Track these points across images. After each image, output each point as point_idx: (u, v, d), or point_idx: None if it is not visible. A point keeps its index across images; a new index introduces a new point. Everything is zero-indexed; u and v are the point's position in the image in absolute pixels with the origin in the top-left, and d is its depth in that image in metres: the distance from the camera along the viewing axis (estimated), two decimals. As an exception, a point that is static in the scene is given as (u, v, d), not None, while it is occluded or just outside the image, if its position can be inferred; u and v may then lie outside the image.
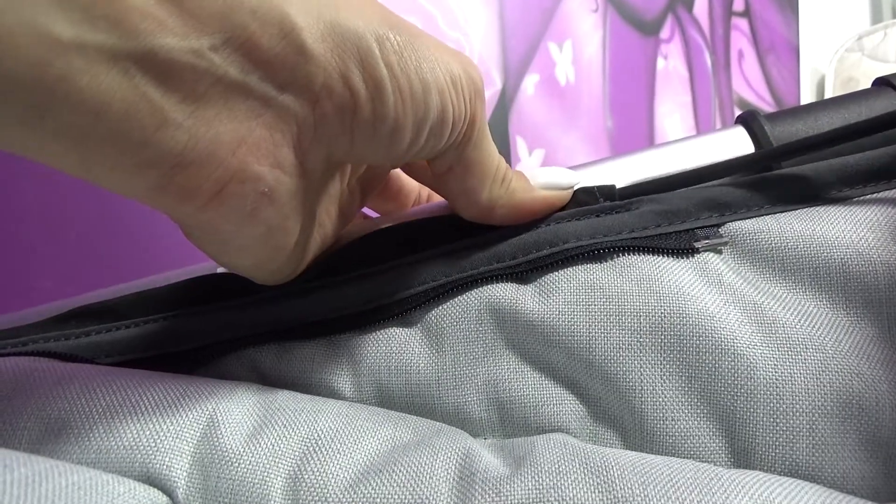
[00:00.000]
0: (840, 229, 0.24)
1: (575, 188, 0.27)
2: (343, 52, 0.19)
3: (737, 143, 0.31)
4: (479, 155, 0.24)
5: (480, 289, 0.26)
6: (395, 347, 0.25)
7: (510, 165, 0.27)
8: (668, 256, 0.25)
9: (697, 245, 0.25)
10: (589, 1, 0.98)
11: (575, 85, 0.97)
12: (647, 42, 1.09)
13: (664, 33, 1.13)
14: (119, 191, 0.18)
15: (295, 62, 0.18)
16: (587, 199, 0.27)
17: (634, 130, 1.06)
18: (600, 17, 1.00)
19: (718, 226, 0.25)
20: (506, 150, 0.89)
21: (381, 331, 0.25)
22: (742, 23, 1.34)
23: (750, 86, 1.35)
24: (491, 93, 0.87)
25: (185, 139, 0.17)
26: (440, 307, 0.26)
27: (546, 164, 0.93)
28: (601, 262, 0.25)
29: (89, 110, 0.15)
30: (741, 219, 0.25)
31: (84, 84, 0.15)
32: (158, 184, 0.17)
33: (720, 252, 0.25)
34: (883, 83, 0.30)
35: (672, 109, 1.14)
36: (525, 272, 0.26)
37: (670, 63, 1.14)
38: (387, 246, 0.27)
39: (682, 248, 0.25)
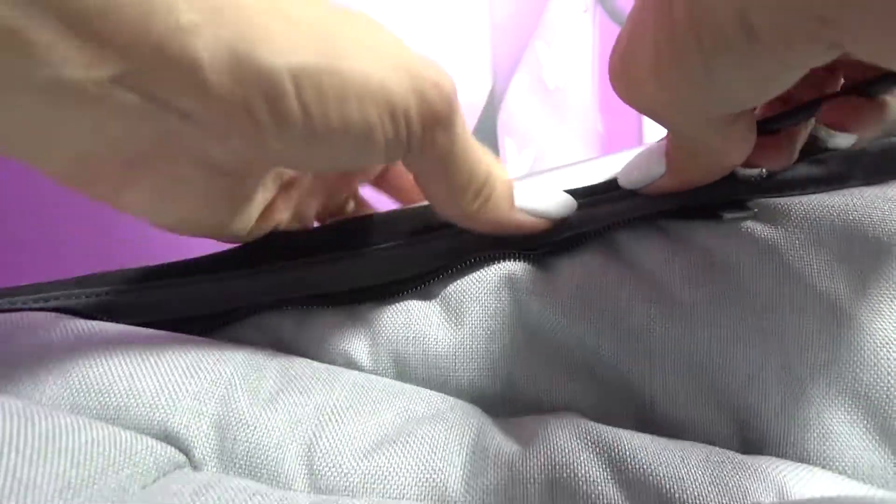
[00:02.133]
0: (875, 208, 0.23)
1: (566, 214, 0.26)
2: (248, 86, 0.18)
3: None
4: (448, 168, 0.23)
5: (499, 264, 0.26)
6: (415, 318, 0.25)
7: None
8: (682, 233, 0.24)
9: (724, 215, 0.24)
10: (578, 2, 0.98)
11: (564, 86, 0.97)
12: (635, 44, 1.10)
13: (652, 36, 1.13)
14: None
15: (195, 95, 0.18)
16: (607, 187, 0.27)
17: (625, 131, 1.06)
18: (590, 17, 1.01)
19: (746, 199, 0.24)
20: (494, 152, 0.89)
21: (401, 302, 0.26)
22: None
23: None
24: (479, 95, 0.87)
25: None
26: (459, 281, 0.26)
27: (536, 166, 0.93)
28: (616, 247, 0.25)
29: None
30: (769, 197, 0.24)
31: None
32: None
33: (747, 221, 0.24)
34: None
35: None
36: (541, 255, 0.26)
37: (658, 66, 1.15)
38: (409, 222, 0.27)
39: (706, 217, 0.24)
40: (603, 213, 0.26)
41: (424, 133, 0.21)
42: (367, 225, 0.27)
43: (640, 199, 0.25)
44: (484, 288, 0.25)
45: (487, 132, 0.88)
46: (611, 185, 0.27)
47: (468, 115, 0.84)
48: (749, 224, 0.24)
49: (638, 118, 1.09)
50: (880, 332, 0.22)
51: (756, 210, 0.24)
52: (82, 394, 0.20)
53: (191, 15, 0.17)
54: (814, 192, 0.24)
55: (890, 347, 0.21)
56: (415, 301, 0.26)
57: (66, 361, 0.20)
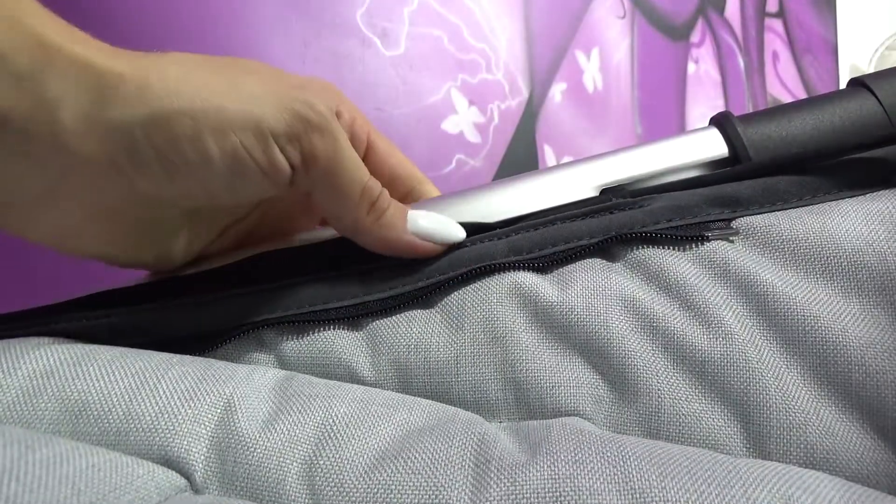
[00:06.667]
0: (851, 222, 0.24)
1: (455, 242, 0.28)
2: (109, 141, 0.21)
3: (710, 145, 0.31)
4: (335, 182, 0.25)
5: (502, 275, 0.27)
6: (416, 327, 0.26)
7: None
8: (675, 249, 0.26)
9: (708, 234, 0.25)
10: (616, 7, 0.97)
11: (603, 92, 0.96)
12: (676, 47, 1.08)
13: (694, 37, 1.11)
14: None
15: (69, 153, 0.21)
16: (600, 198, 0.28)
17: (664, 133, 1.04)
18: (628, 23, 1.00)
19: (729, 220, 0.26)
20: (533, 159, 0.89)
21: (403, 313, 0.26)
22: (776, 24, 1.32)
23: (786, 87, 1.32)
24: (517, 102, 0.87)
25: None
26: (461, 290, 0.27)
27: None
28: (614, 257, 0.27)
29: None
30: (753, 214, 0.26)
31: None
32: None
33: (731, 242, 0.25)
34: (857, 84, 0.30)
35: (704, 114, 1.12)
36: (543, 265, 0.27)
37: (701, 67, 1.13)
38: None
39: (691, 237, 0.26)
40: (597, 226, 0.27)
41: (303, 145, 0.23)
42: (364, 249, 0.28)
43: (633, 213, 0.27)
44: (487, 295, 0.26)
45: (526, 140, 0.88)
46: (603, 199, 0.28)
47: (507, 122, 0.84)
48: (719, 244, 0.26)
49: (678, 122, 1.07)
50: (860, 335, 0.23)
51: (738, 231, 0.26)
52: (82, 419, 0.20)
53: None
54: (793, 207, 0.26)
55: (873, 348, 0.22)
56: (415, 311, 0.27)
57: (66, 386, 0.21)
